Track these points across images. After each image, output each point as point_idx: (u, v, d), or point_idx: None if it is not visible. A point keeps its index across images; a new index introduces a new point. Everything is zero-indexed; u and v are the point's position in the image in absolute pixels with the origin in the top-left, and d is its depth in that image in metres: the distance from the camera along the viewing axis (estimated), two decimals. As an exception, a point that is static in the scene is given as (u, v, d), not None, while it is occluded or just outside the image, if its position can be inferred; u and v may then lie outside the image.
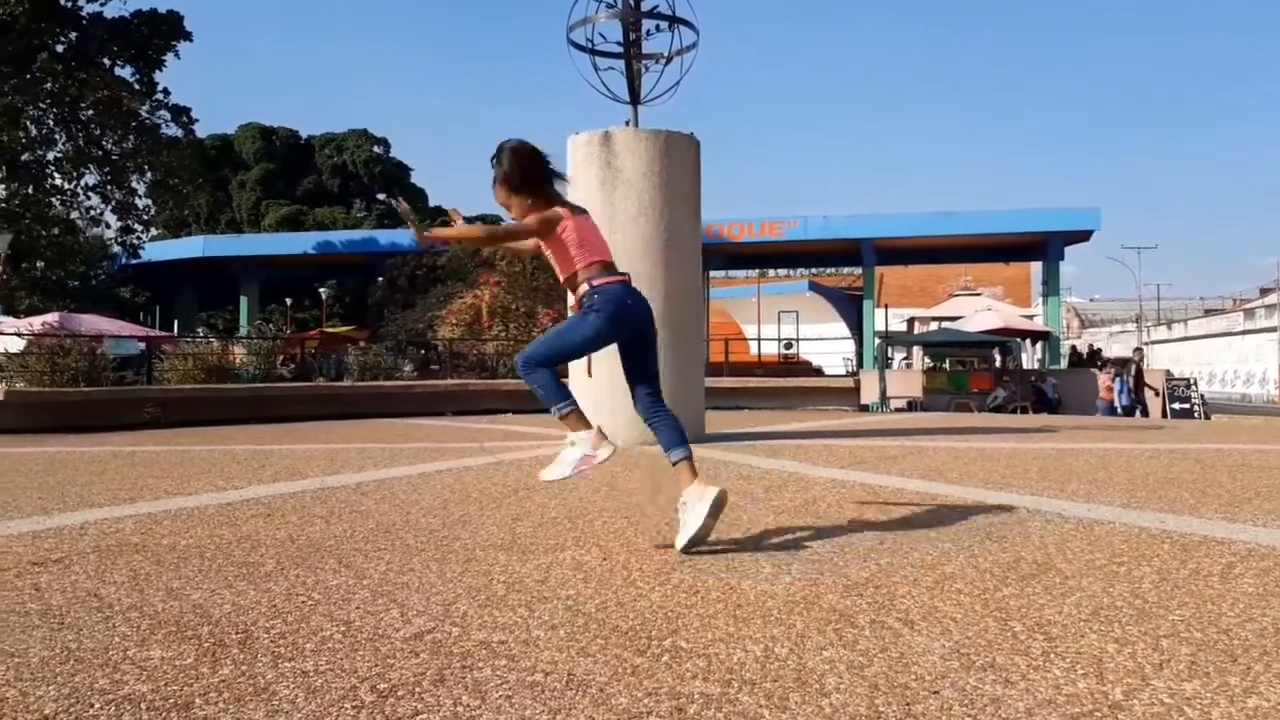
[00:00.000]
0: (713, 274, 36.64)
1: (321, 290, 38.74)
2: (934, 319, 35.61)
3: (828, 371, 25.22)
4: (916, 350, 29.02)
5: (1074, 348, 37.36)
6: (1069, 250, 33.50)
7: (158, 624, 2.51)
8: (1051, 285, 33.04)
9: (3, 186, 25.50)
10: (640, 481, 5.21)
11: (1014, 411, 19.47)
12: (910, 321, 38.51)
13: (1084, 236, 31.95)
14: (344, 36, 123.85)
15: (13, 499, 4.79)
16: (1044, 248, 32.20)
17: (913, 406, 21.29)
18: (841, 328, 39.57)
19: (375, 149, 53.82)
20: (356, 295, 41.41)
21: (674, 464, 3.53)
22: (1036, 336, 32.00)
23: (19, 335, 14.58)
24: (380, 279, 32.37)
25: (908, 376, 24.81)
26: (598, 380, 7.50)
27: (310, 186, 51.45)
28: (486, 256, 22.22)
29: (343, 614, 2.60)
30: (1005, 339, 26.49)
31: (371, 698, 1.97)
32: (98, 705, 1.94)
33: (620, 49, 8.11)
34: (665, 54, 8.11)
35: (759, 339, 31.44)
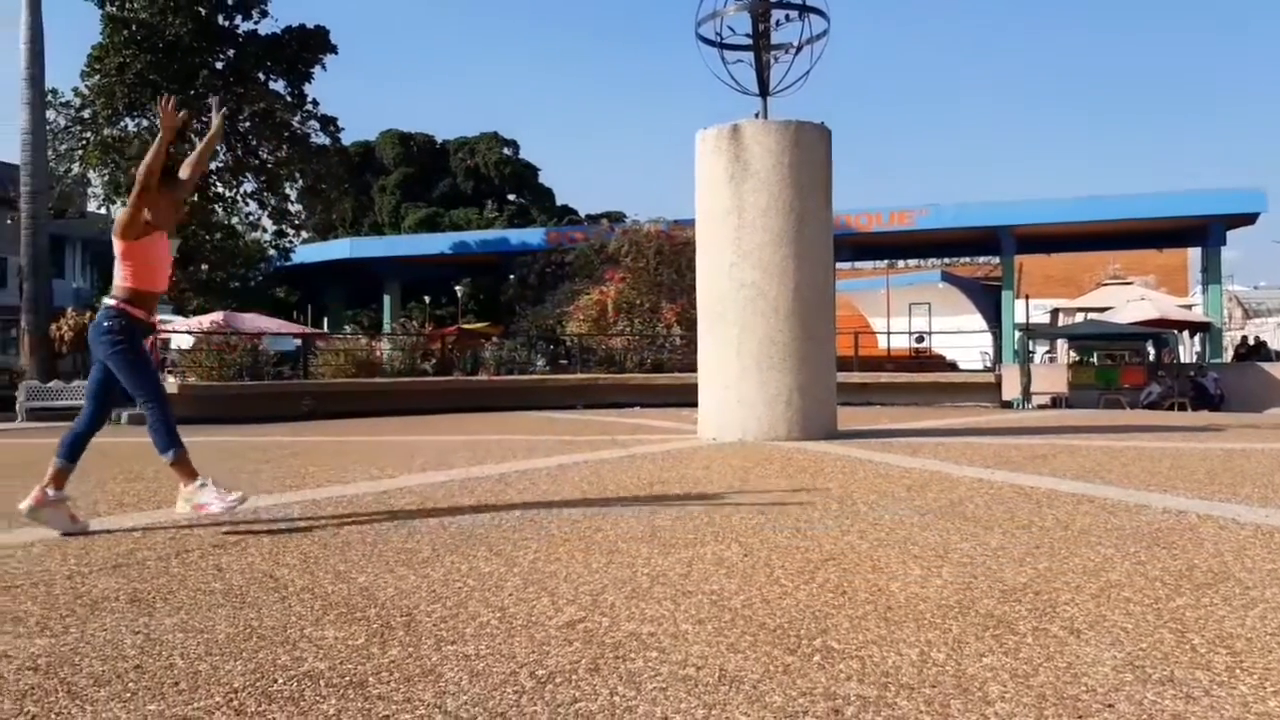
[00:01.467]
0: (837, 265, 35.94)
1: (457, 288, 40.09)
2: (1080, 310, 33.85)
3: (963, 366, 24.36)
4: (1061, 344, 27.66)
5: (1245, 338, 34.79)
6: (1231, 234, 31.25)
7: (329, 605, 2.66)
8: (1212, 273, 30.93)
9: (171, 195, 27.38)
10: (776, 478, 5.17)
11: (1171, 408, 18.33)
12: (1054, 313, 36.69)
13: (1248, 220, 29.74)
14: (474, 41, 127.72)
15: (190, 486, 5.15)
16: (1203, 232, 30.15)
17: (1057, 403, 20.32)
18: (977, 320, 38.07)
19: (505, 151, 55.32)
20: (489, 292, 42.67)
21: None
22: (1195, 328, 29.99)
23: (190, 333, 15.70)
24: (511, 276, 33.19)
25: (1052, 371, 23.68)
26: (730, 372, 7.51)
27: (445, 189, 53.35)
28: (612, 254, 22.47)
29: (497, 600, 2.69)
30: (1160, 331, 24.94)
31: (531, 683, 2.03)
32: (281, 680, 2.07)
33: (749, 41, 8.04)
34: (795, 43, 8.00)
35: (888, 332, 30.62)
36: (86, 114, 26.28)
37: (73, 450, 3.86)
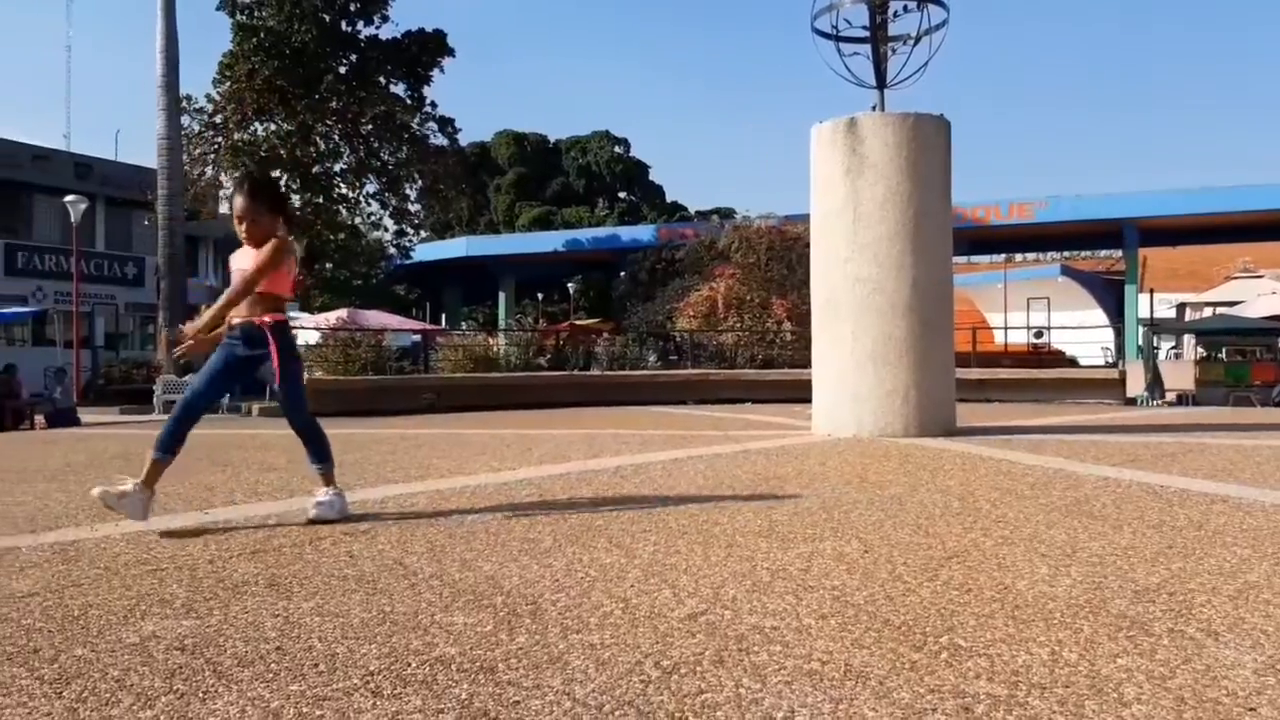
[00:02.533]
0: (954, 259, 34.99)
1: (569, 285, 40.73)
2: (1208, 304, 32.03)
3: (1083, 362, 23.39)
4: (1187, 339, 26.28)
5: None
6: (1368, 224, 29.06)
7: (457, 592, 2.76)
8: (1353, 264, 28.82)
9: (298, 197, 28.74)
10: (894, 474, 5.10)
11: (1308, 407, 17.20)
12: (1180, 307, 34.87)
13: (1385, 209, 27.59)
14: (586, 40, 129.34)
15: (322, 475, 5.41)
16: (1335, 223, 28.14)
17: (1183, 400, 19.36)
18: (1099, 315, 36.44)
19: (616, 149, 55.92)
20: (601, 289, 43.21)
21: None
22: (1330, 323, 28.00)
23: (317, 329, 16.45)
24: (622, 273, 33.50)
25: (1177, 367, 22.57)
26: (845, 368, 7.42)
27: (558, 188, 54.33)
28: (722, 250, 22.44)
29: (619, 591, 2.75)
30: (1292, 326, 23.43)
31: (656, 674, 2.08)
32: (414, 665, 2.16)
33: (866, 33, 7.92)
34: (913, 35, 7.83)
35: (1005, 328, 29.63)
36: (218, 119, 27.67)
37: (311, 450, 4.03)
